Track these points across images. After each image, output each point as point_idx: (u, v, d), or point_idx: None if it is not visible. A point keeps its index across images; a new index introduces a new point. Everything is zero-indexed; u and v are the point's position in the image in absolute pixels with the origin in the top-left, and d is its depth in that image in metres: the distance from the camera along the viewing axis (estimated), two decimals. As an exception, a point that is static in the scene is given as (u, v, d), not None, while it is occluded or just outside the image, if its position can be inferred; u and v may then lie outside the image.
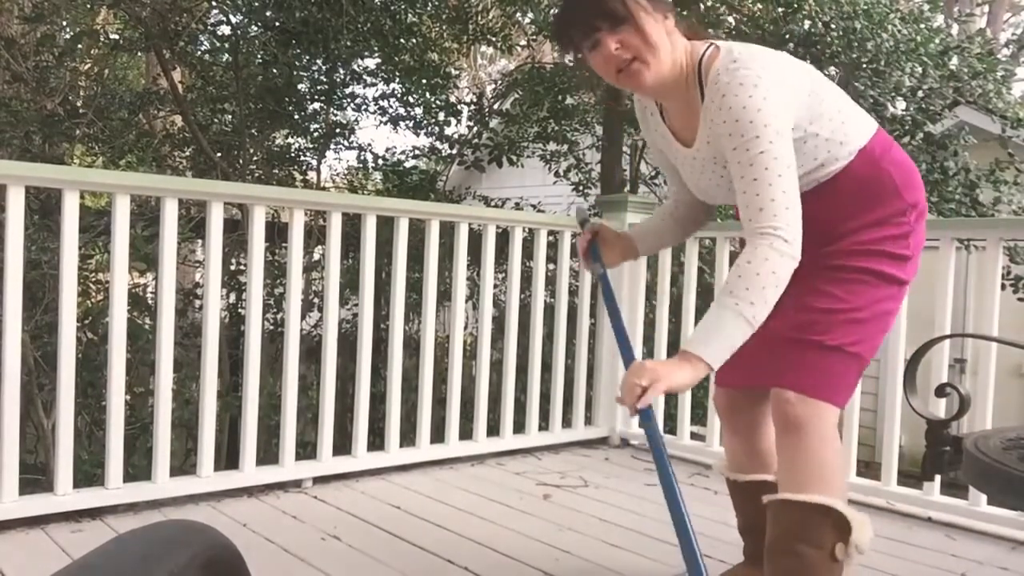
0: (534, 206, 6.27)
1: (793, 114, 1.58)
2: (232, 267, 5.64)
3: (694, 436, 3.56)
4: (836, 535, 1.57)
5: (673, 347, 3.72)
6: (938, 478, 2.62)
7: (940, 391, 1.89)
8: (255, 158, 6.56)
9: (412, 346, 4.24)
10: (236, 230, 5.23)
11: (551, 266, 3.83)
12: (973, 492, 2.64)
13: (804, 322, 1.63)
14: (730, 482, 1.96)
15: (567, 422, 3.63)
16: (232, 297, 5.71)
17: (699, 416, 3.91)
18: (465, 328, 3.38)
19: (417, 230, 3.29)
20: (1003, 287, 3.39)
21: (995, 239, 2.67)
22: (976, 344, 4.85)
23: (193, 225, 4.98)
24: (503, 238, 3.56)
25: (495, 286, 3.82)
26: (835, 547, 1.56)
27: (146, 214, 4.77)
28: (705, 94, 1.60)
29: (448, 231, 3.24)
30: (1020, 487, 0.94)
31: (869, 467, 3.14)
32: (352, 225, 3.31)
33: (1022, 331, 2.59)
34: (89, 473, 3.78)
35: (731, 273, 1.51)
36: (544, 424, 3.54)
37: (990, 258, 2.69)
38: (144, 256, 4.15)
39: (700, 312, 3.39)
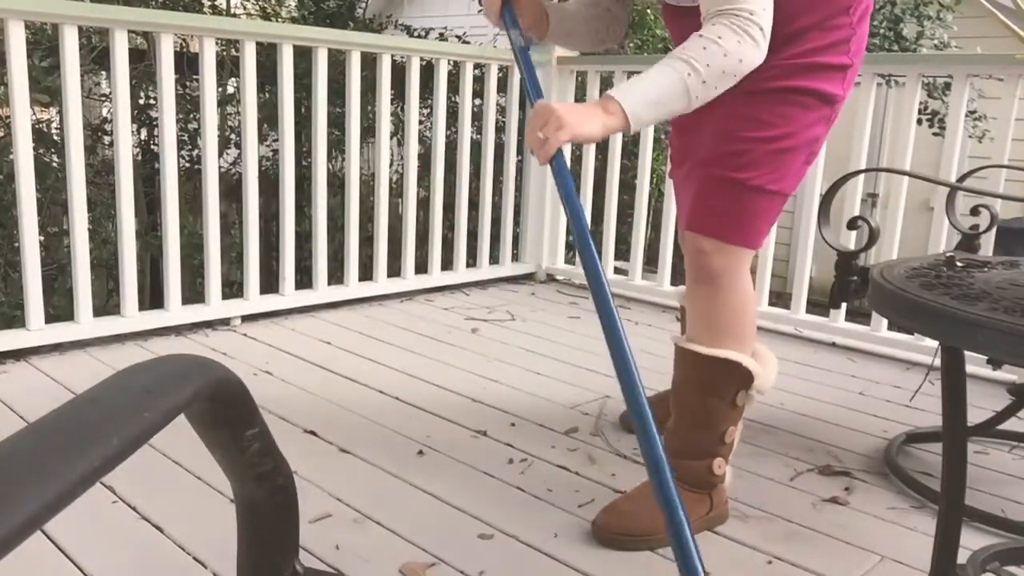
0: (459, 37, 6.04)
1: None
2: (141, 101, 5.35)
3: (617, 271, 3.66)
4: (739, 384, 1.57)
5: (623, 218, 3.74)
6: (844, 306, 2.77)
7: (852, 224, 1.97)
8: (158, -19, 6.09)
9: (336, 184, 4.17)
10: (143, 60, 4.92)
11: (477, 101, 3.76)
12: (874, 319, 2.82)
13: (727, 153, 1.49)
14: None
15: (494, 259, 3.68)
16: (144, 133, 5.45)
17: (622, 252, 4.00)
18: (391, 166, 3.32)
19: (337, 62, 3.15)
20: (919, 122, 3.47)
21: (915, 75, 2.72)
22: (889, 178, 5.02)
23: (96, 55, 4.67)
24: (427, 71, 3.44)
25: (420, 122, 3.73)
26: (737, 395, 1.58)
27: (43, 43, 4.43)
28: None
29: (370, 64, 3.11)
30: (919, 312, 1.01)
31: (780, 297, 3.30)
32: (267, 56, 3.15)
33: (934, 166, 2.69)
34: (8, 315, 3.71)
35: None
36: (472, 261, 3.58)
37: (909, 93, 2.74)
38: (45, 88, 3.90)
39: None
